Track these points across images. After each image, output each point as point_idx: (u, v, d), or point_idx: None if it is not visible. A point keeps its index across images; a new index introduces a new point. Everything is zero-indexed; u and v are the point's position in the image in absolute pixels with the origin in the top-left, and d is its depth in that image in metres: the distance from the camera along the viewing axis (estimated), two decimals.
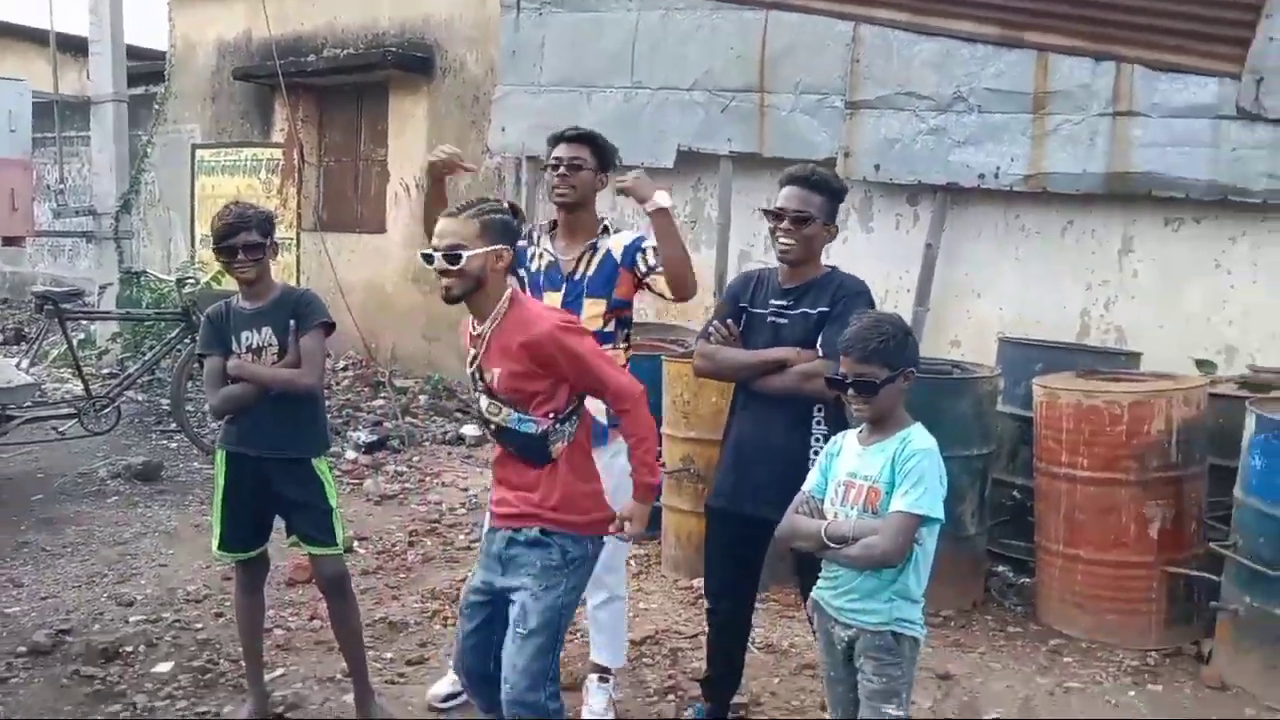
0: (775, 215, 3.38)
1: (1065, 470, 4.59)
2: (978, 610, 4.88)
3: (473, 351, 2.99)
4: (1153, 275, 6.01)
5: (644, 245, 3.63)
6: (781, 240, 3.37)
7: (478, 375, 2.99)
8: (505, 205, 2.99)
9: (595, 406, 3.45)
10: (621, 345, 3.71)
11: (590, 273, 3.62)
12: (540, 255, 3.70)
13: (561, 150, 3.64)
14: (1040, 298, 6.32)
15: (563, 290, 3.62)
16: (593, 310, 3.59)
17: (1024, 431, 5.16)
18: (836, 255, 6.18)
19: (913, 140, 6.52)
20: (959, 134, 6.38)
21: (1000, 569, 5.21)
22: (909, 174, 6.56)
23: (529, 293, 3.62)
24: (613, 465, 3.52)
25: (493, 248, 2.87)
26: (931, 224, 6.56)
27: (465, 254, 2.83)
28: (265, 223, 3.54)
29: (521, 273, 3.69)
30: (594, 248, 3.64)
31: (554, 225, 3.75)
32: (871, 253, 6.70)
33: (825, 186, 3.41)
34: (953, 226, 6.56)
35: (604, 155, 3.66)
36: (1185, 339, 5.83)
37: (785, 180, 3.44)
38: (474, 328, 2.98)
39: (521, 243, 3.66)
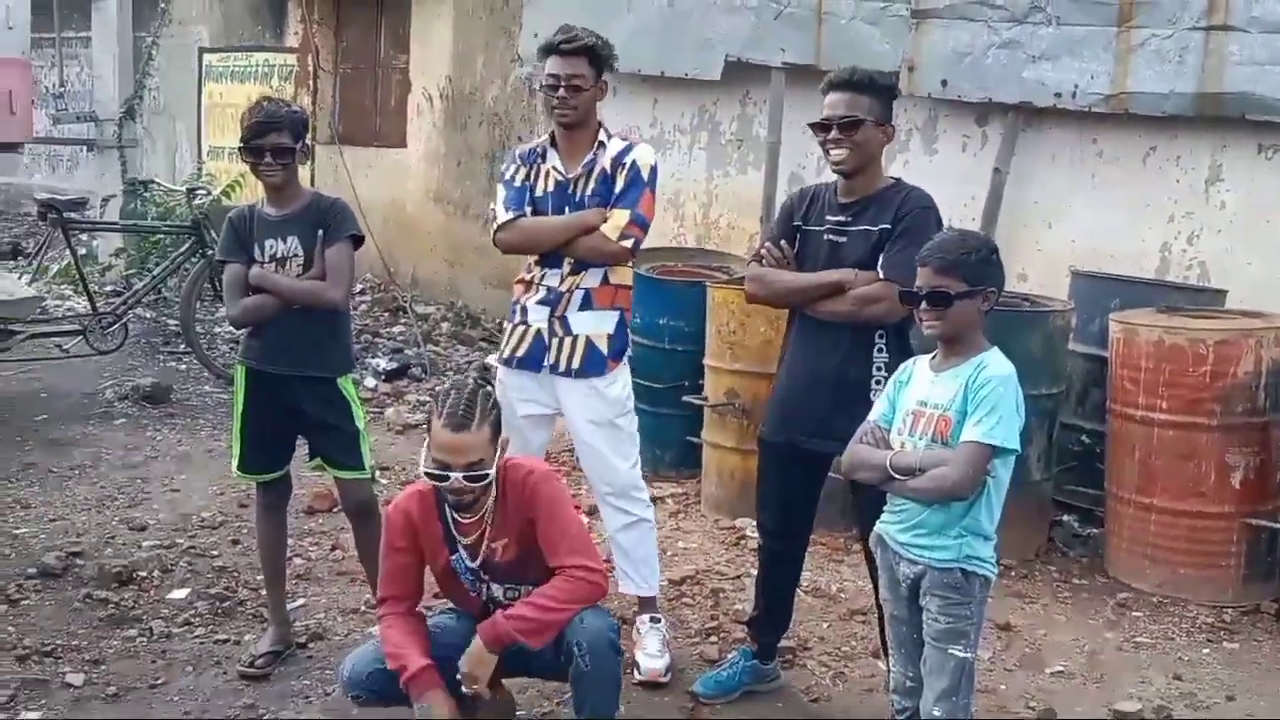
0: (822, 127, 3.34)
1: (1142, 413, 4.57)
2: (1040, 560, 4.90)
3: (464, 541, 3.02)
4: (1242, 207, 5.91)
5: (624, 160, 3.68)
6: (833, 151, 3.33)
7: (480, 568, 3.04)
8: (489, 386, 2.99)
9: (597, 331, 3.67)
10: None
11: (588, 191, 3.69)
12: (548, 174, 3.74)
13: (557, 66, 3.63)
14: (1117, 229, 6.22)
15: (565, 212, 3.70)
16: (613, 220, 3.65)
17: (1095, 372, 5.14)
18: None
19: (984, 54, 6.39)
20: (1035, 48, 6.25)
21: (1066, 518, 5.22)
22: (979, 91, 6.44)
23: (540, 213, 3.71)
24: (611, 389, 3.71)
25: (500, 446, 2.92)
26: (1001, 147, 6.46)
27: (489, 472, 2.86)
28: (298, 124, 3.55)
29: (527, 207, 3.72)
30: (589, 168, 3.70)
31: (554, 137, 3.78)
32: (935, 176, 6.55)
33: (871, 85, 3.36)
34: (1024, 150, 6.46)
35: (602, 63, 3.67)
36: (1276, 277, 5.74)
37: (826, 87, 3.39)
38: (462, 518, 2.99)
39: (515, 167, 3.77)
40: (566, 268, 3.70)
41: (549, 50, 3.68)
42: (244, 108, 3.64)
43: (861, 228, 3.34)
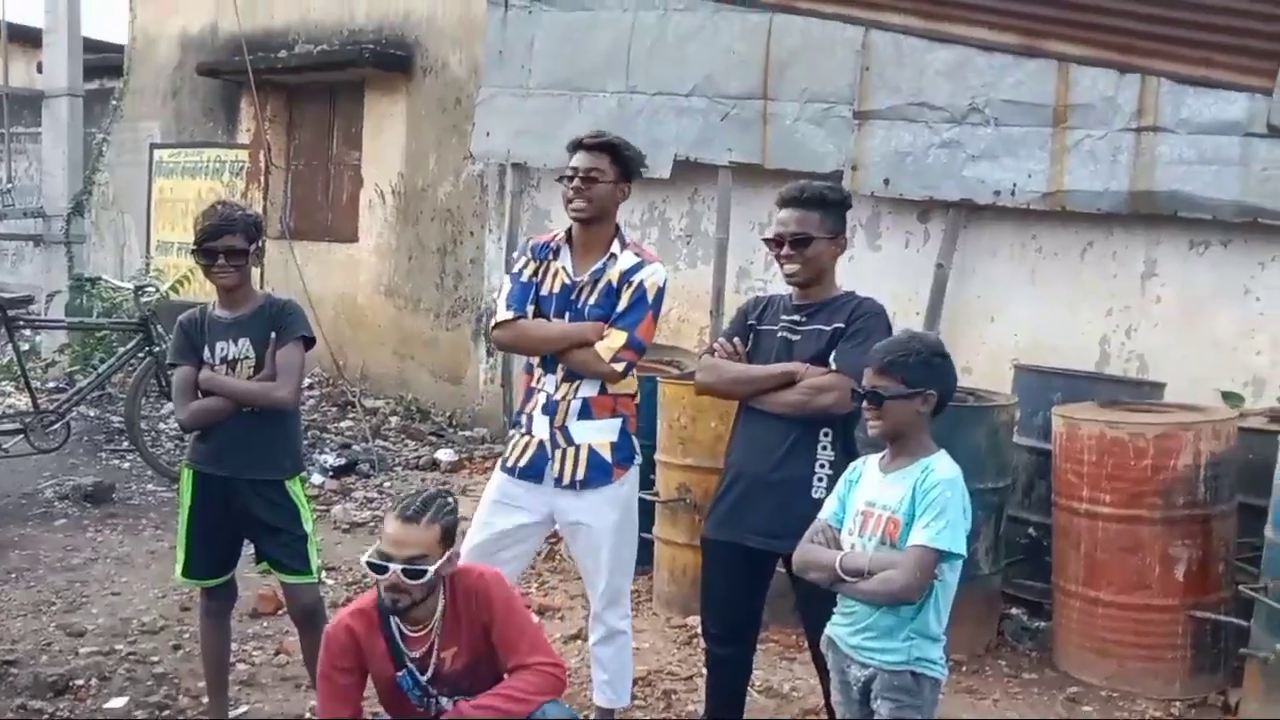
0: (775, 241, 3.43)
1: (1086, 506, 4.62)
2: (991, 654, 4.90)
3: (412, 655, 2.98)
4: (1177, 301, 6.07)
5: (632, 279, 3.57)
6: (786, 265, 3.44)
7: (429, 681, 3.00)
8: (451, 499, 2.98)
9: (599, 440, 3.57)
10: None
11: (591, 302, 3.60)
12: (556, 274, 3.66)
13: (579, 159, 3.58)
14: (1058, 323, 6.36)
15: (566, 318, 3.63)
16: (609, 340, 3.55)
17: (1040, 465, 5.20)
18: (842, 274, 6.23)
19: (925, 153, 6.58)
20: (974, 147, 6.44)
21: (1015, 611, 5.24)
22: (920, 189, 6.61)
23: (543, 313, 3.63)
24: (617, 496, 3.63)
25: (450, 553, 2.88)
26: (943, 243, 6.61)
27: (430, 568, 2.82)
28: (252, 227, 3.57)
29: (530, 306, 3.63)
30: (596, 278, 3.61)
31: (569, 234, 3.70)
32: (879, 272, 6.73)
33: (821, 201, 3.45)
34: (966, 246, 6.61)
35: (626, 165, 3.60)
36: (1211, 369, 5.88)
37: (779, 202, 3.50)
38: (410, 631, 2.96)
39: (525, 260, 3.68)
40: (561, 374, 3.60)
41: (575, 146, 3.63)
42: (196, 206, 3.66)
43: (815, 327, 3.42)
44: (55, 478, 7.02)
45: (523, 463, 3.67)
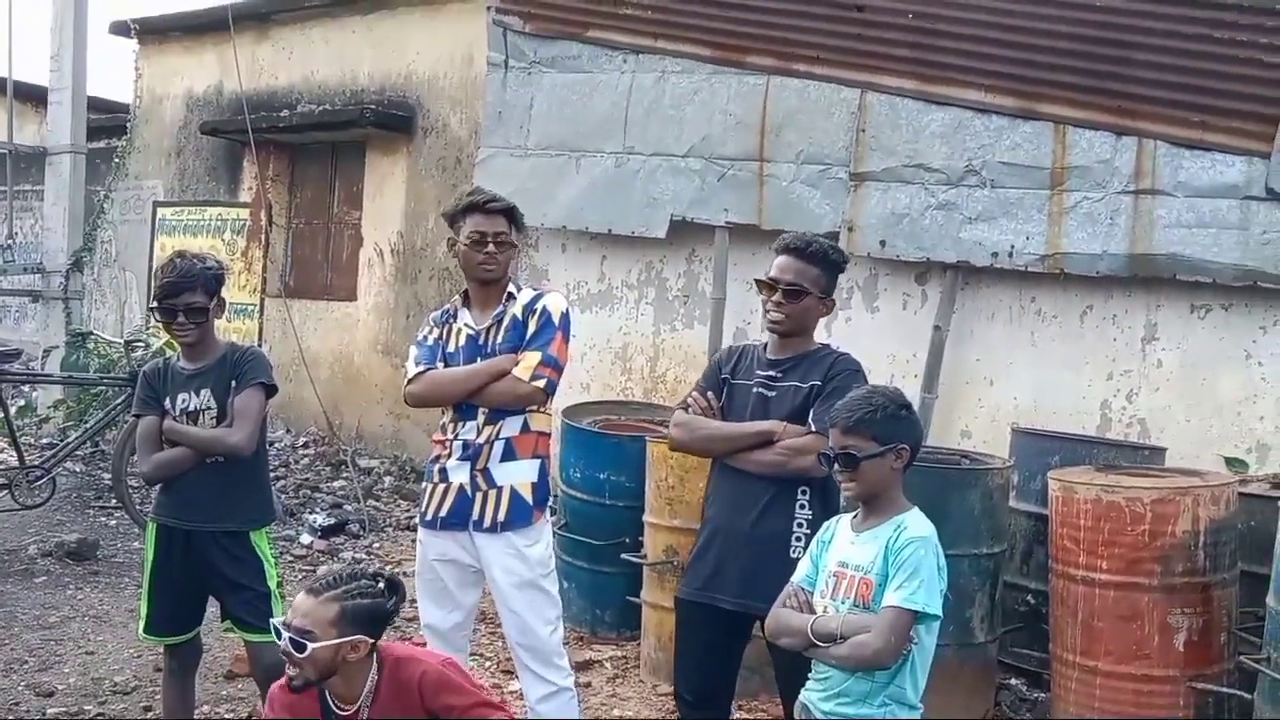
0: (768, 286, 3.38)
1: (1083, 573, 4.50)
2: None
3: None
4: (1178, 365, 6.00)
5: (535, 306, 3.68)
6: (772, 313, 3.38)
7: None
8: (381, 583, 2.93)
9: (521, 481, 3.59)
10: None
11: (499, 340, 3.68)
12: (459, 331, 3.75)
13: (482, 224, 3.66)
14: (1057, 386, 6.29)
15: (477, 361, 3.68)
16: (525, 361, 3.61)
17: (1039, 530, 5.09)
18: (839, 335, 6.19)
19: (921, 215, 6.55)
20: (971, 209, 6.41)
21: (1012, 681, 5.12)
22: (917, 251, 6.58)
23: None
24: (535, 542, 3.63)
25: (347, 639, 2.79)
26: (941, 305, 6.56)
27: (311, 645, 2.76)
28: (213, 279, 3.53)
29: (439, 363, 3.72)
30: (499, 318, 3.70)
31: (466, 296, 3.81)
32: (876, 334, 6.69)
33: (823, 258, 3.42)
34: (963, 308, 6.56)
35: (518, 221, 3.75)
36: (1213, 434, 5.80)
37: (780, 249, 3.45)
38: (338, 709, 2.90)
39: (429, 329, 3.77)
40: (482, 418, 3.63)
41: (470, 209, 3.69)
42: (175, 252, 3.62)
43: (791, 383, 3.36)
44: (40, 534, 6.94)
45: (443, 511, 3.68)
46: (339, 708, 2.90)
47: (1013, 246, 6.30)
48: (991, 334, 6.52)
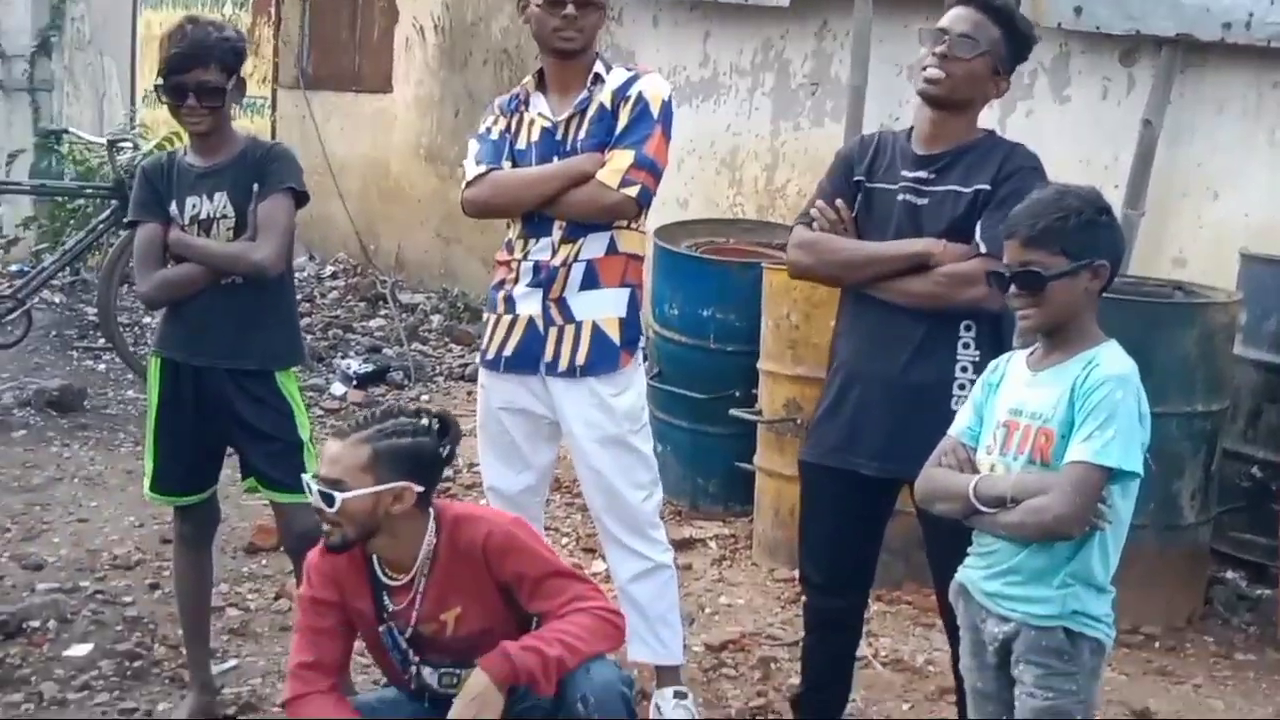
0: (935, 36, 3.32)
1: None
2: (1194, 628, 4.86)
3: (392, 607, 3.04)
4: None
5: (629, 93, 3.66)
6: (931, 69, 3.30)
7: (408, 643, 3.06)
8: (425, 420, 2.99)
9: (606, 315, 3.68)
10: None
11: (581, 135, 3.69)
12: (532, 123, 3.75)
13: None
14: None
15: (553, 161, 3.70)
16: (613, 163, 3.63)
17: (1272, 385, 5.11)
18: (1016, 132, 6.08)
19: None
20: None
21: (1229, 574, 5.18)
22: (1124, 21, 6.40)
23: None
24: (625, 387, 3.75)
25: (386, 487, 2.86)
26: (1152, 93, 6.42)
27: (339, 495, 2.84)
28: (231, 53, 3.57)
29: (505, 162, 3.74)
30: (583, 106, 3.70)
31: (541, 77, 3.80)
32: (1067, 131, 6.57)
33: (1008, 18, 3.36)
34: (1183, 97, 6.41)
35: None
36: None
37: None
38: (388, 578, 3.02)
39: (493, 119, 3.79)
40: (558, 234, 3.68)
41: None
42: (184, 18, 3.66)
43: (949, 187, 3.32)
44: (15, 380, 7.24)
45: (508, 350, 3.77)
46: (390, 576, 3.04)
47: (1250, 15, 6.10)
48: (1219, 131, 6.38)
